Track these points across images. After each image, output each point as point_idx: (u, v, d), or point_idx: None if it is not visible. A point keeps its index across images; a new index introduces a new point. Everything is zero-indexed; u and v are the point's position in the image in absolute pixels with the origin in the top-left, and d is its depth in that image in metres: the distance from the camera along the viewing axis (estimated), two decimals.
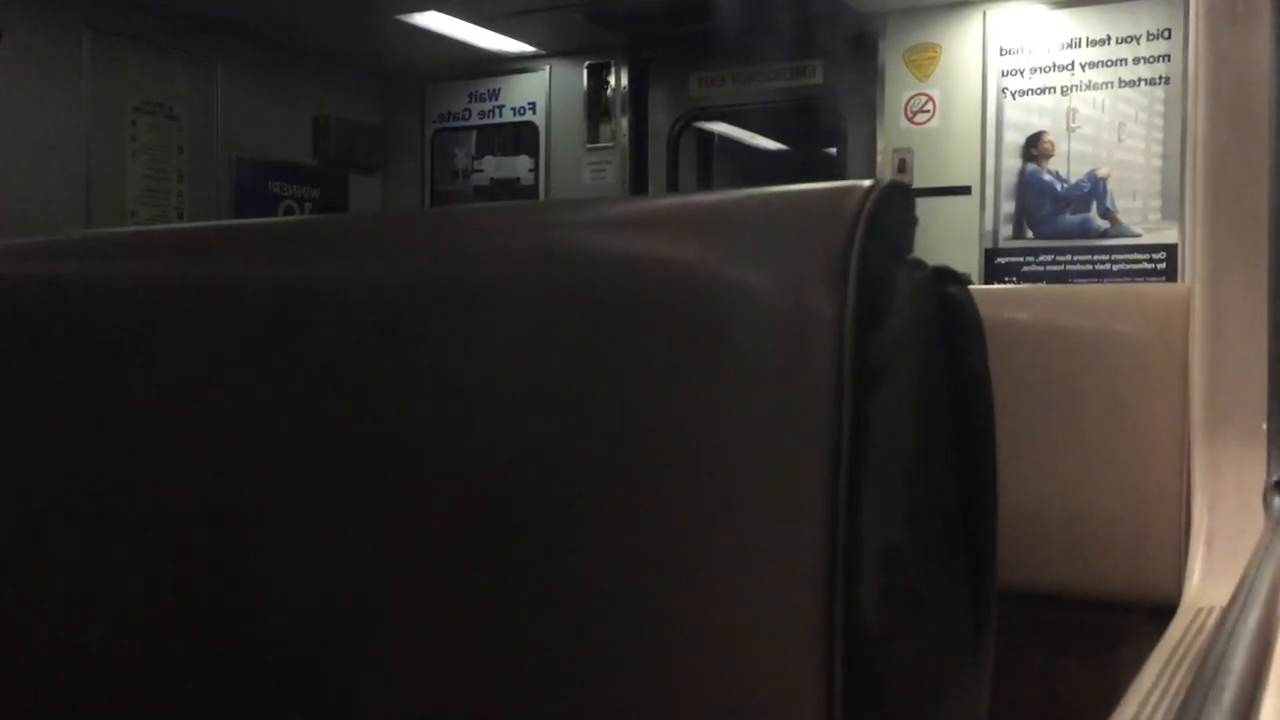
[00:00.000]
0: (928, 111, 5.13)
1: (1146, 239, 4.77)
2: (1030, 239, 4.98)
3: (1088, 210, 4.88)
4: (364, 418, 0.61)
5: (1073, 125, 4.90)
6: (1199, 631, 1.12)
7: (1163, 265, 4.72)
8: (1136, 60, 4.78)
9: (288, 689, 0.64)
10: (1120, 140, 4.81)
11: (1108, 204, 4.84)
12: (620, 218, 0.62)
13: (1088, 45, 4.86)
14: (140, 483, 0.68)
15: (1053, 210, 4.94)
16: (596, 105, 5.97)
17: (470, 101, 6.30)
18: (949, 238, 4.91)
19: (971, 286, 0.61)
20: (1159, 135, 4.75)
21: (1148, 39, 4.76)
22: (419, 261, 0.63)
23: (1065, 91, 4.90)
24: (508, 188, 6.18)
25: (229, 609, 0.65)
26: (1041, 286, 4.37)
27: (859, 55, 5.29)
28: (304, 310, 0.65)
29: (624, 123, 5.90)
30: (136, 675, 0.68)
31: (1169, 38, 4.70)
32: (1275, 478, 1.29)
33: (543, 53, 6.03)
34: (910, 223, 0.57)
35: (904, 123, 5.17)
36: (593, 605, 0.55)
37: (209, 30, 5.41)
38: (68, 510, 0.70)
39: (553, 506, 0.56)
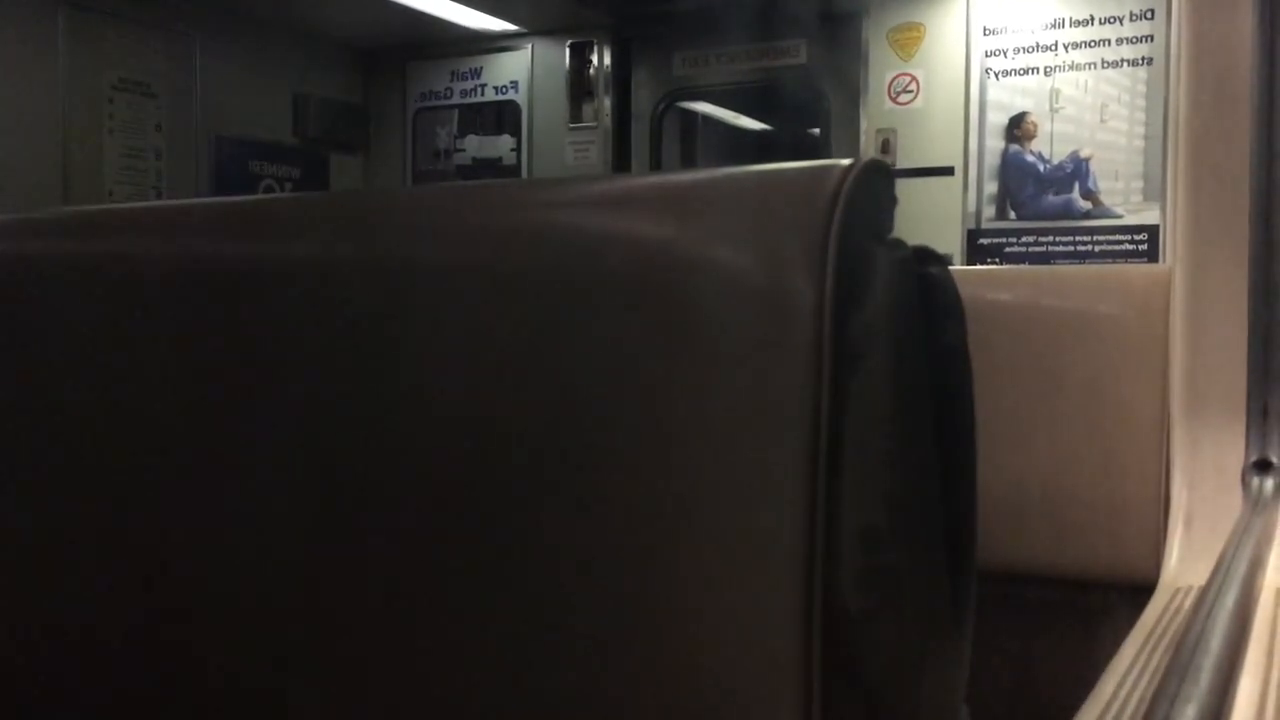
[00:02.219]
0: (911, 91, 5.12)
1: (1129, 220, 4.78)
2: (1013, 220, 4.99)
3: (1070, 191, 4.89)
4: (332, 399, 0.61)
5: (1056, 106, 4.90)
6: (1177, 611, 1.13)
7: (1145, 246, 4.73)
8: (1119, 41, 4.78)
9: (251, 677, 0.63)
10: (1103, 121, 4.82)
11: (1090, 185, 4.85)
12: (598, 196, 0.62)
13: (1071, 25, 4.86)
14: (107, 459, 0.67)
15: (1035, 191, 4.94)
16: (579, 84, 5.94)
17: (452, 80, 6.26)
18: (932, 218, 4.91)
19: (952, 267, 0.61)
20: (1141, 116, 4.76)
21: (1131, 20, 4.76)
22: (395, 240, 0.62)
23: (1048, 72, 4.90)
24: (490, 167, 6.15)
25: (190, 592, 0.65)
26: (1022, 267, 4.37)
27: (842, 35, 5.27)
28: (279, 288, 0.64)
29: (607, 102, 5.87)
30: (108, 659, 0.68)
31: (1152, 18, 4.71)
32: (1254, 458, 1.30)
33: (525, 31, 5.99)
34: (890, 202, 0.57)
35: (888, 103, 5.16)
36: (565, 588, 0.55)
37: (187, 6, 5.35)
38: (38, 487, 0.70)
39: (521, 491, 0.56)
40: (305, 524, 0.61)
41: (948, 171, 5.04)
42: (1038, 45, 4.91)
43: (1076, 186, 4.87)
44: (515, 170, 6.11)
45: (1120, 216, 4.79)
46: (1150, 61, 4.71)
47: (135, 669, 0.66)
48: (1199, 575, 1.10)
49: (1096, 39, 4.81)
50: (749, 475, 0.52)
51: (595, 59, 5.90)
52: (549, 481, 0.55)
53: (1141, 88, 4.75)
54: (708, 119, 6.59)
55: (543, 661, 0.55)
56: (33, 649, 0.70)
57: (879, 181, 0.55)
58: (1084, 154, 4.85)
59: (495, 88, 6.16)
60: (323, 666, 0.61)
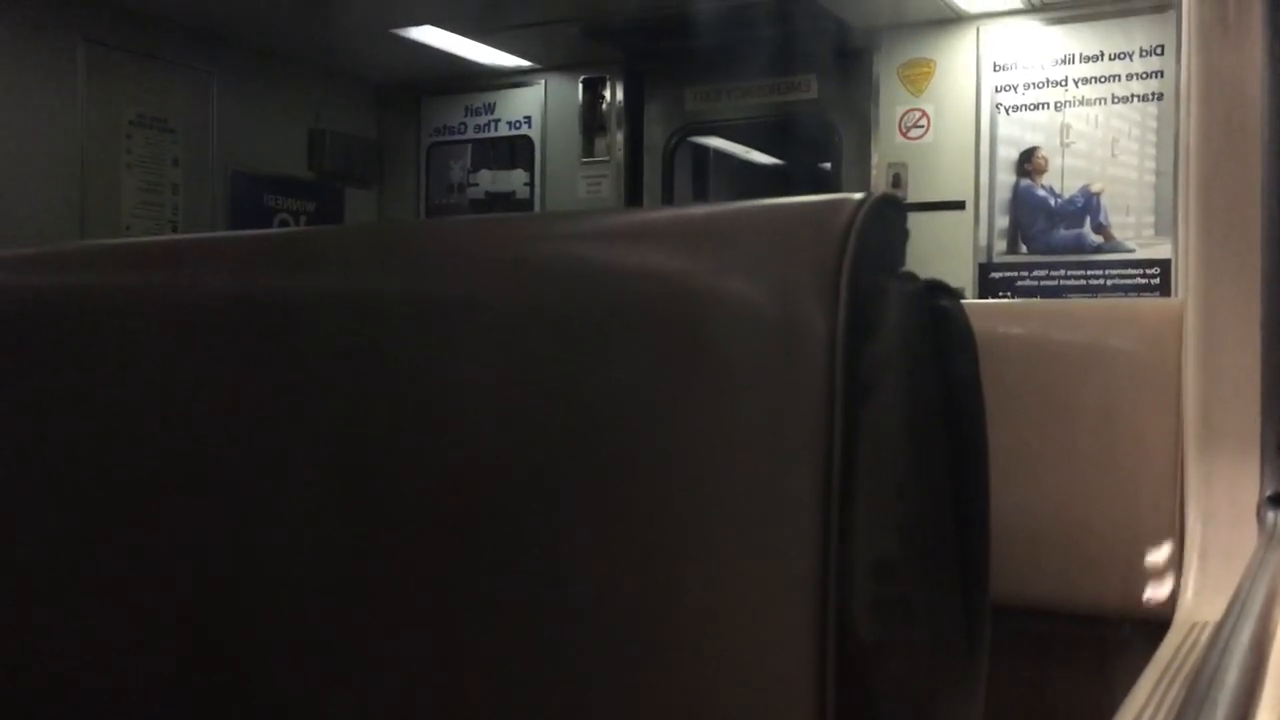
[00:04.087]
0: (922, 126, 5.14)
1: (1140, 254, 4.78)
2: (1024, 254, 4.99)
3: (1081, 225, 4.89)
4: (352, 428, 0.61)
5: (1066, 141, 4.91)
6: (1193, 647, 1.12)
7: (1156, 280, 4.73)
8: (1130, 76, 4.80)
9: (270, 691, 0.63)
10: (1114, 156, 4.83)
11: (1101, 219, 4.86)
12: (611, 230, 0.62)
13: (1081, 61, 4.88)
14: (125, 491, 0.68)
15: (1046, 225, 4.95)
16: (592, 119, 5.98)
17: (466, 115, 6.32)
18: (943, 252, 4.92)
19: (965, 301, 0.61)
20: (1152, 151, 4.77)
21: (1141, 55, 4.78)
22: (409, 273, 0.63)
23: (1059, 107, 4.92)
24: (503, 201, 6.19)
25: (212, 615, 0.65)
26: (1035, 301, 4.37)
27: (853, 70, 5.31)
28: (294, 321, 0.65)
29: (619, 137, 5.91)
30: (126, 677, 0.68)
31: (1162, 54, 4.73)
32: (1269, 492, 1.29)
33: (538, 67, 6.05)
34: (902, 236, 0.57)
35: (898, 137, 5.18)
36: (579, 613, 0.55)
37: (204, 43, 5.42)
38: (55, 516, 0.70)
39: (540, 519, 0.56)
40: (329, 545, 0.61)
41: (959, 206, 5.05)
42: (1048, 81, 4.93)
43: (1088, 221, 4.88)
44: (528, 204, 6.15)
45: (1132, 250, 4.79)
46: (1161, 97, 4.73)
47: (160, 691, 0.67)
48: (1215, 610, 1.09)
49: (1107, 74, 4.83)
50: (762, 506, 0.52)
51: (608, 94, 5.95)
52: (566, 508, 0.56)
53: (1152, 123, 4.77)
54: (719, 153, 6.63)
55: (556, 683, 0.55)
56: (56, 671, 0.70)
57: (891, 215, 0.55)
58: (1095, 188, 4.86)
59: (509, 122, 6.21)
60: (349, 680, 0.61)
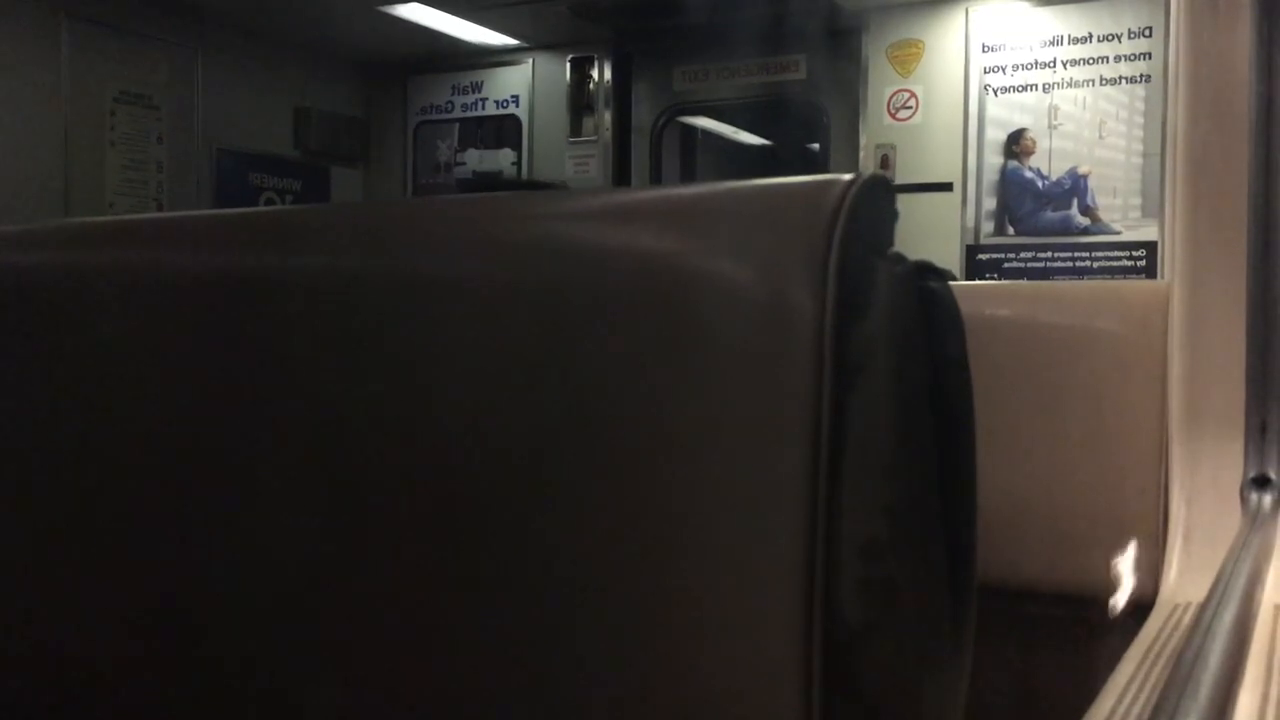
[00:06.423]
0: (910, 108, 5.14)
1: (1127, 236, 4.80)
2: (1012, 235, 5.00)
3: (1069, 207, 4.90)
4: (337, 409, 0.61)
5: (1054, 123, 4.92)
6: (1176, 627, 1.13)
7: (1143, 262, 4.74)
8: (1118, 58, 4.80)
9: (257, 682, 0.63)
10: (1101, 138, 4.84)
11: (1088, 201, 4.87)
12: (599, 209, 0.62)
13: (1069, 43, 4.88)
14: (104, 473, 0.67)
15: (1034, 207, 4.96)
16: (579, 99, 5.96)
17: (453, 94, 6.29)
18: (931, 234, 4.93)
19: (952, 282, 0.61)
20: (1140, 133, 4.78)
21: (1129, 37, 4.78)
22: (395, 251, 0.63)
23: (1047, 89, 4.92)
24: (490, 180, 6.17)
25: (193, 599, 0.65)
26: (1022, 283, 4.38)
27: (842, 51, 5.30)
28: (278, 300, 0.64)
29: (607, 116, 5.89)
30: (115, 667, 0.68)
31: (1150, 36, 4.73)
32: (1252, 473, 1.30)
33: (526, 45, 6.02)
34: (891, 216, 0.57)
35: (887, 119, 5.18)
36: (566, 598, 0.55)
37: (189, 19, 5.37)
38: (39, 498, 0.70)
39: (525, 500, 0.56)
40: (315, 530, 0.61)
41: (946, 187, 5.05)
42: (1036, 62, 4.93)
43: (1075, 203, 4.89)
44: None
45: (1118, 233, 4.81)
46: (1148, 79, 4.73)
47: (146, 678, 0.66)
48: (1198, 591, 1.10)
49: (1095, 56, 4.83)
50: (749, 487, 0.52)
51: (595, 73, 5.93)
52: (550, 490, 0.55)
53: (1140, 105, 4.77)
54: (707, 133, 6.62)
55: (541, 668, 0.55)
56: (42, 660, 0.70)
57: (880, 196, 0.55)
58: (1082, 170, 4.87)
59: (496, 101, 6.19)
60: (333, 671, 0.61)
